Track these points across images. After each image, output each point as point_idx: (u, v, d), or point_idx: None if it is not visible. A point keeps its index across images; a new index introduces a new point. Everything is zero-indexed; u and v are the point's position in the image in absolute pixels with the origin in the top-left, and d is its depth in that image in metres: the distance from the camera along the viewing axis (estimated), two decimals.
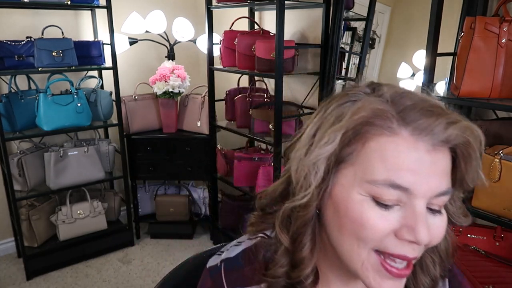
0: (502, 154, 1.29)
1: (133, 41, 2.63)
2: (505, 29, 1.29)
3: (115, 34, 2.40)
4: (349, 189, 0.50)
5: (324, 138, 0.50)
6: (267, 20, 2.58)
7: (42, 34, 2.21)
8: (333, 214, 0.52)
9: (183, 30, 2.63)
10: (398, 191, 0.47)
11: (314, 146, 0.51)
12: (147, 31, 2.59)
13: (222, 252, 0.65)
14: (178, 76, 2.55)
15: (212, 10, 2.42)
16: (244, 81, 2.60)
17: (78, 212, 2.46)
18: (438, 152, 0.48)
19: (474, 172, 0.51)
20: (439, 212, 0.51)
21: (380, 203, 0.48)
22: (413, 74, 2.02)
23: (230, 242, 0.69)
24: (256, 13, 2.62)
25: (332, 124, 0.51)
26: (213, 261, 0.64)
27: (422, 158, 0.47)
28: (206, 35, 2.47)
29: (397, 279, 0.50)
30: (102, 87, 2.61)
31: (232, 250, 0.64)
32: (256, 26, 2.46)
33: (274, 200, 0.60)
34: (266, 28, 2.42)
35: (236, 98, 2.41)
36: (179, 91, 2.57)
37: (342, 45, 2.15)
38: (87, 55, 2.41)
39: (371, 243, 0.49)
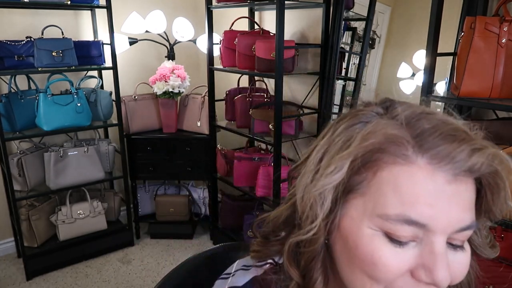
0: None
1: (133, 41, 2.63)
2: (505, 29, 1.29)
3: (115, 34, 2.40)
4: (358, 222, 0.45)
5: (331, 165, 0.45)
6: (267, 20, 2.58)
7: (42, 34, 2.21)
8: (342, 248, 0.48)
9: (183, 30, 2.63)
10: (413, 227, 0.42)
11: (320, 173, 0.47)
12: (147, 31, 2.59)
13: (228, 275, 0.60)
14: (178, 76, 2.55)
15: (212, 10, 2.41)
16: (244, 81, 2.60)
17: (78, 212, 2.46)
18: (460, 183, 0.43)
19: (502, 203, 0.46)
20: (461, 247, 0.46)
21: (394, 240, 0.43)
22: (413, 74, 2.02)
23: (230, 242, 0.67)
24: (256, 13, 2.62)
25: (340, 150, 0.46)
26: (219, 287, 0.60)
27: (441, 190, 0.42)
28: (206, 35, 2.47)
29: None
30: (102, 87, 2.61)
31: (239, 276, 0.59)
32: (256, 26, 2.46)
33: (277, 228, 0.55)
34: (266, 28, 2.42)
35: (236, 98, 2.41)
36: (179, 91, 2.57)
37: (342, 45, 2.15)
38: (87, 55, 2.41)
39: (384, 282, 0.44)
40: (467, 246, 0.47)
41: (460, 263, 0.45)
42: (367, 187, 0.45)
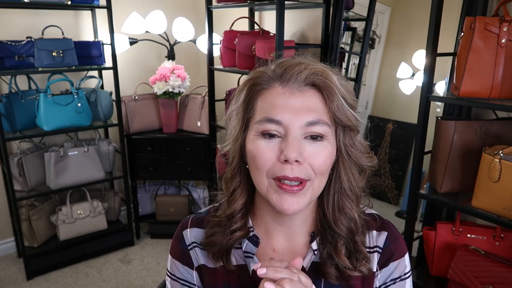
0: (502, 154, 1.29)
1: (133, 41, 2.63)
2: (505, 29, 1.29)
3: (115, 34, 2.40)
4: (251, 135, 0.66)
5: (234, 99, 0.71)
6: (267, 20, 2.58)
7: (42, 34, 2.21)
8: (249, 159, 0.67)
9: (183, 30, 2.63)
10: (274, 124, 0.63)
11: (230, 108, 0.72)
12: (147, 31, 2.59)
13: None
14: (178, 76, 2.55)
15: (212, 10, 2.41)
16: None
17: (78, 212, 2.46)
18: (304, 93, 0.64)
19: (340, 107, 0.64)
20: (319, 140, 0.64)
21: (265, 135, 0.64)
22: (413, 74, 2.02)
23: None
24: (256, 13, 2.62)
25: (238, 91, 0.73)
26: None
27: (288, 98, 0.63)
28: (206, 35, 2.47)
29: (291, 194, 0.63)
30: (102, 87, 2.61)
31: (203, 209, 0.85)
32: (256, 26, 2.46)
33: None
34: (266, 28, 2.42)
35: None
36: (179, 91, 2.57)
37: (342, 45, 2.15)
38: (87, 55, 2.41)
39: (263, 169, 0.64)
40: (328, 143, 0.65)
41: (316, 149, 0.63)
42: (253, 111, 0.67)
